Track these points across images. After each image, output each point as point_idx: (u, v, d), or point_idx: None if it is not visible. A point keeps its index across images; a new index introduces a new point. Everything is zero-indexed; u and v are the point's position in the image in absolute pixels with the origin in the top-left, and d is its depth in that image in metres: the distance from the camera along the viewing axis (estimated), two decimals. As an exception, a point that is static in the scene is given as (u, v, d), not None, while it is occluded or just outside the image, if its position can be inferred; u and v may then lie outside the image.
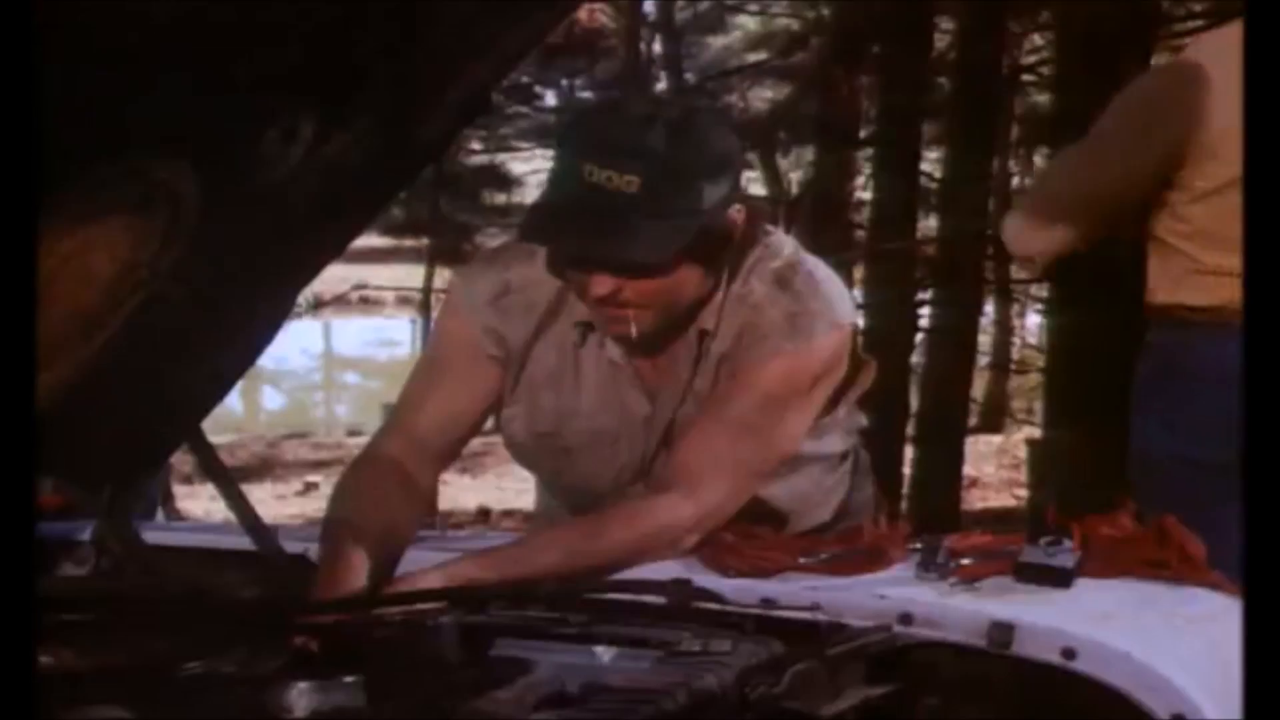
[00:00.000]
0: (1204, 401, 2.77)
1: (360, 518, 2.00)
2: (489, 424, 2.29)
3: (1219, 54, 2.73)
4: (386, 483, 2.11)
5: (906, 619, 1.70)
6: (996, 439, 12.22)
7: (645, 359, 2.17)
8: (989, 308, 10.93)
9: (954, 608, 1.73)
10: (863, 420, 2.41)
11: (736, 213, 2.06)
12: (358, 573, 1.89)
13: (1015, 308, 12.62)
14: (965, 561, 1.86)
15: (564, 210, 1.99)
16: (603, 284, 2.01)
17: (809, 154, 9.70)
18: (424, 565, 1.92)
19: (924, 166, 8.58)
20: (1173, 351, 2.89)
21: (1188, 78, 2.77)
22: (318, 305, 8.49)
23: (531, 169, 13.17)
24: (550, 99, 14.78)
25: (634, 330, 2.06)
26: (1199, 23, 6.78)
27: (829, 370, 2.14)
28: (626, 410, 2.19)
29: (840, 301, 2.16)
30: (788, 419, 2.11)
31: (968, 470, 9.01)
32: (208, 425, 2.21)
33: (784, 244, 2.18)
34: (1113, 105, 2.93)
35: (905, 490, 7.75)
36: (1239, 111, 2.69)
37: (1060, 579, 1.82)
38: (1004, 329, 12.62)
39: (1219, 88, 2.71)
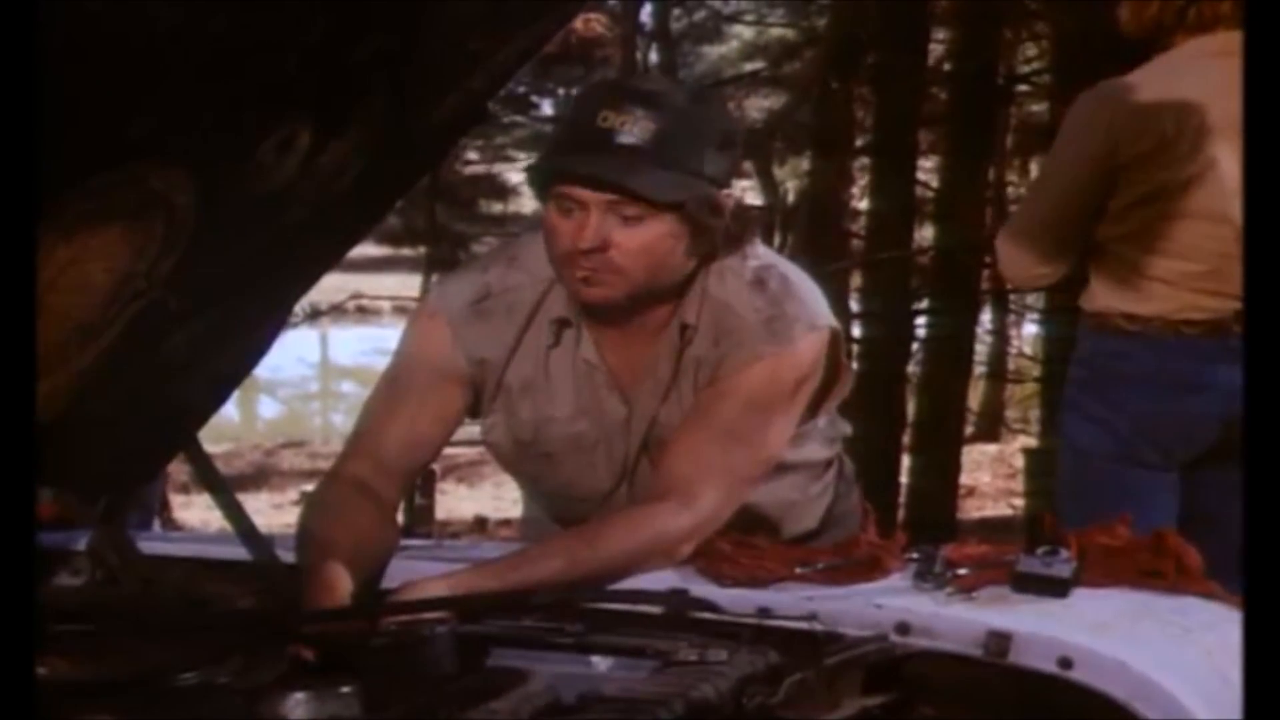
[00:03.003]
0: (1139, 406, 2.90)
1: (329, 535, 1.99)
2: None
3: (1154, 77, 2.92)
4: (353, 501, 2.09)
5: (903, 628, 1.70)
6: (993, 448, 12.21)
7: (620, 359, 2.16)
8: (985, 317, 10.94)
9: (951, 617, 1.73)
10: (846, 428, 2.41)
11: (727, 196, 2.08)
12: (337, 587, 1.88)
13: (1011, 317, 12.61)
14: (962, 571, 1.86)
15: (574, 145, 2.03)
16: (595, 230, 2.00)
17: (805, 163, 9.70)
18: (422, 575, 1.92)
19: (920, 176, 8.57)
20: (1109, 356, 2.97)
21: (1104, 100, 2.95)
22: (314, 314, 8.48)
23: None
24: (547, 108, 14.78)
25: (607, 294, 2.05)
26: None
27: (810, 374, 2.14)
28: (604, 414, 2.18)
29: (816, 304, 2.16)
30: (773, 423, 2.11)
31: (964, 479, 9.00)
32: (204, 434, 2.21)
33: (759, 248, 2.18)
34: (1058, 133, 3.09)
35: (902, 499, 7.75)
36: (1167, 126, 2.81)
37: (1057, 589, 1.83)
38: (1000, 338, 12.61)
39: (1139, 109, 2.87)
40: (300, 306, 2.64)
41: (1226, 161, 2.81)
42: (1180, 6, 2.90)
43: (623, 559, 1.97)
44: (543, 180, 2.07)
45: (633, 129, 1.99)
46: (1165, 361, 2.88)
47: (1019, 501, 9.32)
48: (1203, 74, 2.83)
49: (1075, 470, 3.05)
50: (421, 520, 8.92)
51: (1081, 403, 3.03)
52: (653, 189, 1.99)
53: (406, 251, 12.47)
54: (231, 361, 2.10)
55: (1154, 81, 2.91)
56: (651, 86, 2.11)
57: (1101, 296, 2.97)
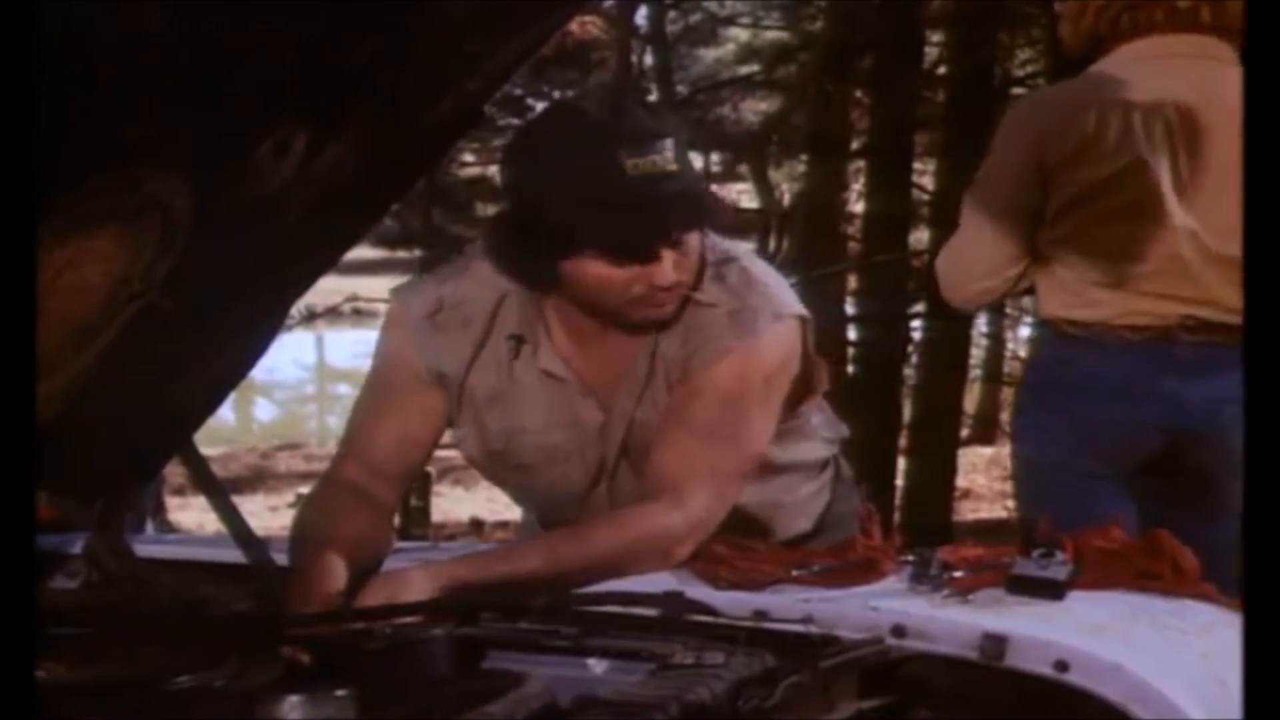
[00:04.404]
0: (1081, 413, 2.89)
1: (323, 535, 2.01)
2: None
3: (1083, 82, 2.94)
4: (347, 502, 2.11)
5: (899, 631, 1.70)
6: (988, 451, 12.22)
7: (593, 363, 2.16)
8: (981, 320, 10.94)
9: (946, 620, 1.73)
10: (844, 430, 2.41)
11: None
12: (334, 575, 1.89)
13: (1007, 320, 12.62)
14: (958, 574, 1.86)
15: (630, 205, 1.99)
16: (674, 265, 2.03)
17: (801, 166, 9.71)
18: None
19: (916, 179, 8.58)
20: (1055, 363, 2.98)
21: (1032, 105, 3.03)
22: (310, 317, 8.48)
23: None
24: (542, 111, 14.74)
25: (671, 310, 2.09)
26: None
27: (781, 364, 2.14)
28: (578, 422, 2.18)
29: (780, 292, 2.16)
30: (750, 418, 2.11)
31: (960, 482, 9.01)
32: (200, 437, 2.21)
33: (718, 240, 2.18)
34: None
35: (898, 502, 7.75)
36: (1089, 125, 2.82)
37: (1052, 591, 1.83)
38: (996, 341, 12.62)
39: (1064, 111, 2.88)
40: (296, 309, 2.65)
41: (1158, 161, 2.81)
42: (1113, 16, 2.91)
43: (612, 556, 1.97)
44: (616, 246, 2.03)
45: (662, 166, 1.99)
46: (1107, 368, 2.86)
47: (1014, 504, 9.33)
48: (1136, 76, 2.85)
49: (1027, 477, 3.05)
50: (417, 522, 8.93)
51: (1030, 409, 3.03)
52: (717, 215, 2.07)
53: (402, 254, 12.46)
54: (228, 364, 2.10)
55: (1082, 85, 2.94)
56: (650, 119, 2.06)
57: (1048, 304, 2.96)
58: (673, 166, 2.00)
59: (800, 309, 2.17)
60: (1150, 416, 2.85)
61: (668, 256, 2.03)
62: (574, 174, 2.00)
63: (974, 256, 2.98)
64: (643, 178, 1.98)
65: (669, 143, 2.01)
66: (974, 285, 3.01)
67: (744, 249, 2.23)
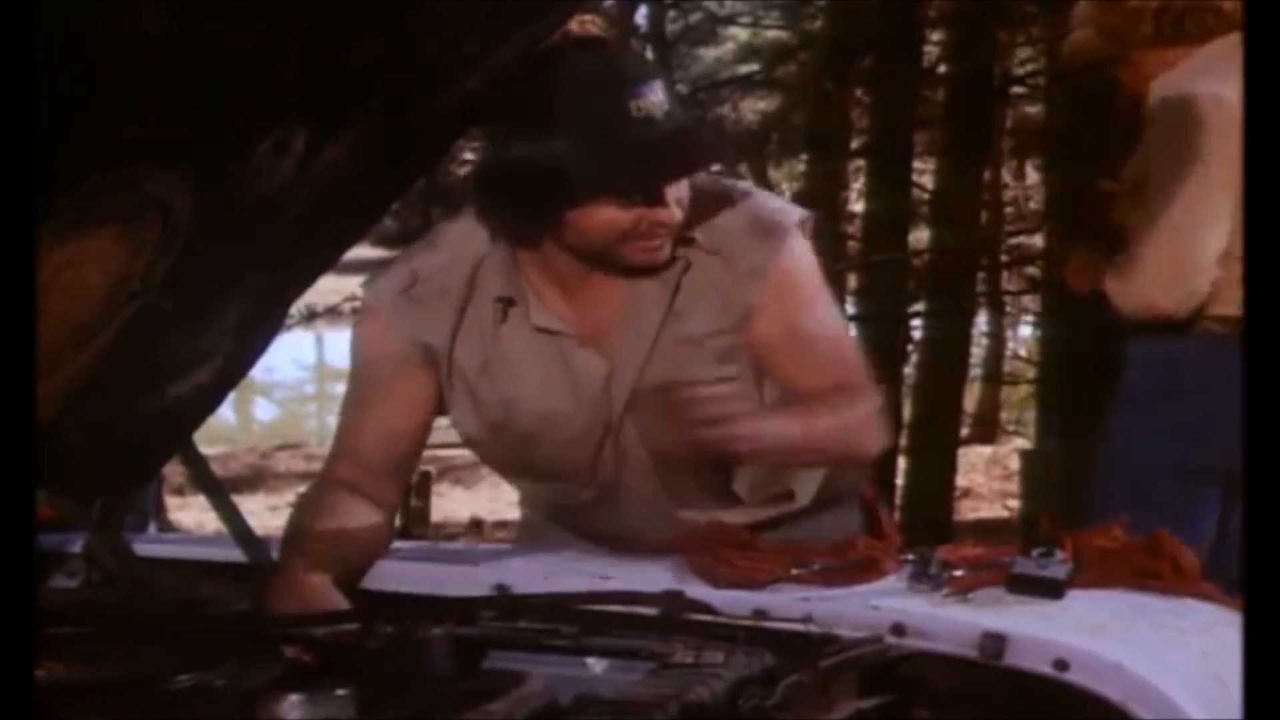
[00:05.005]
0: (1212, 411, 2.82)
1: (312, 530, 2.04)
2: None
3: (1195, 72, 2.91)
4: (339, 499, 2.12)
5: (899, 630, 1.70)
6: (988, 450, 12.23)
7: (590, 314, 2.15)
8: (981, 319, 10.94)
9: (946, 619, 1.73)
10: None
11: None
12: (316, 592, 1.91)
13: (1007, 319, 12.63)
14: (957, 573, 1.86)
15: (638, 146, 2.01)
16: (678, 204, 2.06)
17: (801, 165, 9.71)
18: (410, 578, 1.94)
19: (916, 178, 8.58)
20: (1177, 360, 2.94)
21: (1231, 118, 2.85)
22: (310, 316, 8.47)
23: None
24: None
25: (665, 251, 2.10)
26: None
27: (815, 262, 2.20)
28: (578, 378, 2.15)
29: (777, 203, 2.26)
30: (832, 305, 2.25)
31: (960, 481, 9.01)
32: (200, 436, 2.21)
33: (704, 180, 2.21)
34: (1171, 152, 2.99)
35: (898, 501, 7.76)
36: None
37: (1051, 590, 1.83)
38: (996, 340, 12.62)
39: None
40: (296, 308, 2.64)
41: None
42: (1176, 17, 2.90)
43: (835, 437, 2.11)
44: (633, 184, 2.05)
45: (663, 108, 2.02)
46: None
47: (1014, 503, 9.33)
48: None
49: (1124, 479, 2.98)
50: (417, 522, 8.93)
51: (1138, 409, 2.98)
52: (724, 152, 2.10)
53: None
54: (227, 364, 2.09)
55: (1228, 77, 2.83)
56: (641, 65, 2.16)
57: (1219, 303, 2.91)
58: (668, 107, 2.03)
59: (799, 211, 2.23)
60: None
61: (670, 195, 2.05)
62: (579, 121, 2.00)
63: (1195, 252, 2.92)
64: (645, 118, 2.00)
65: (660, 84, 2.04)
66: (1196, 280, 2.94)
67: (727, 182, 2.27)
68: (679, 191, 2.07)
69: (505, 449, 2.24)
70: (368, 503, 2.13)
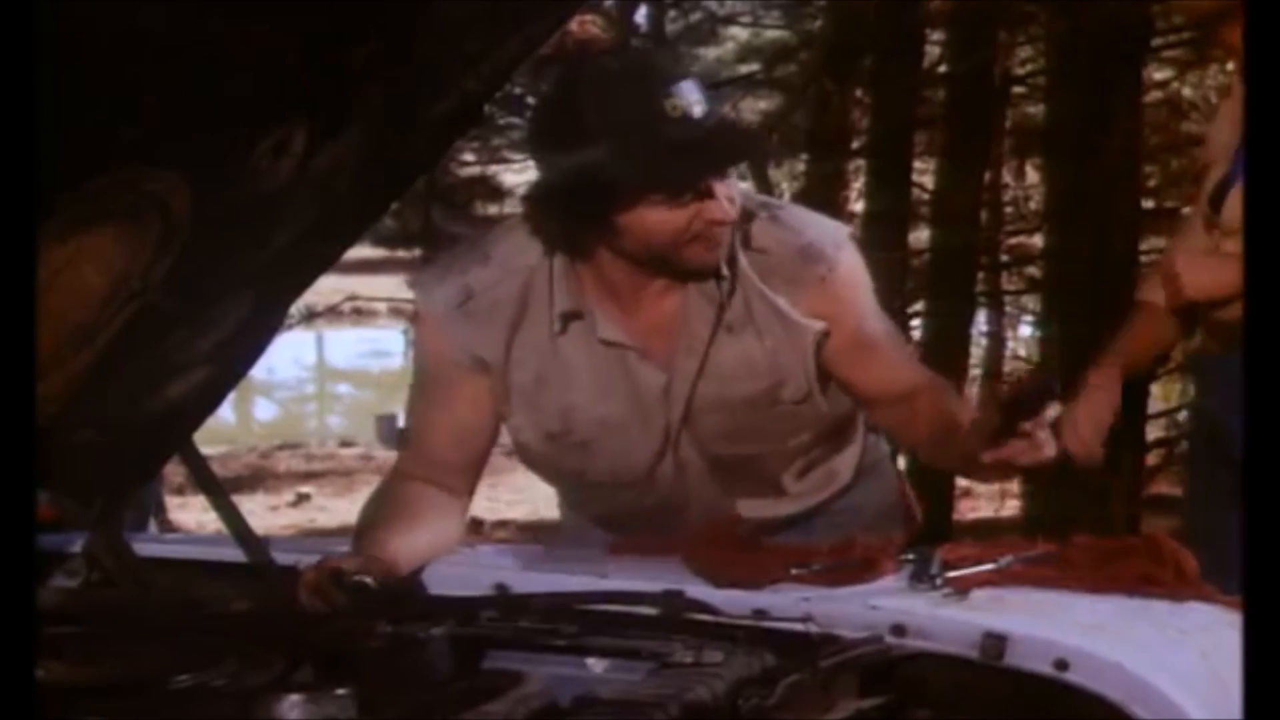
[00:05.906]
0: None
1: (380, 518, 2.09)
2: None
3: None
4: (408, 489, 2.16)
5: (899, 630, 1.70)
6: (988, 450, 12.19)
7: (646, 327, 2.17)
8: (981, 319, 10.94)
9: (946, 618, 1.73)
10: None
11: None
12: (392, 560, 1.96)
13: (1007, 319, 12.62)
14: (957, 572, 1.86)
15: (680, 144, 2.04)
16: (729, 201, 2.07)
17: (801, 165, 9.71)
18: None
19: (916, 178, 8.58)
20: None
21: None
22: (310, 316, 8.47)
23: (524, 180, 13.10)
24: (542, 110, 14.71)
25: (721, 250, 2.11)
26: (1186, 34, 6.81)
27: (866, 277, 2.25)
28: (637, 389, 2.17)
29: (824, 221, 2.29)
30: (882, 313, 2.29)
31: (960, 481, 9.00)
32: (199, 436, 2.21)
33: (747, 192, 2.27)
34: None
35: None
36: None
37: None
38: (996, 341, 12.61)
39: None
40: (296, 308, 2.64)
41: None
42: None
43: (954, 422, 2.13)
44: (675, 181, 2.07)
45: (698, 106, 2.04)
46: None
47: (1015, 503, 9.32)
48: None
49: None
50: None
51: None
52: (763, 146, 2.12)
53: (402, 254, 12.44)
54: (227, 364, 2.10)
55: None
56: (673, 63, 2.18)
57: None
58: (703, 103, 2.06)
59: (846, 228, 2.30)
60: None
61: (721, 191, 2.06)
62: (619, 125, 2.03)
63: None
64: (681, 116, 2.03)
65: (693, 81, 2.07)
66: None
67: (768, 199, 2.33)
68: (729, 189, 2.08)
69: (563, 457, 2.25)
70: (439, 489, 2.18)
